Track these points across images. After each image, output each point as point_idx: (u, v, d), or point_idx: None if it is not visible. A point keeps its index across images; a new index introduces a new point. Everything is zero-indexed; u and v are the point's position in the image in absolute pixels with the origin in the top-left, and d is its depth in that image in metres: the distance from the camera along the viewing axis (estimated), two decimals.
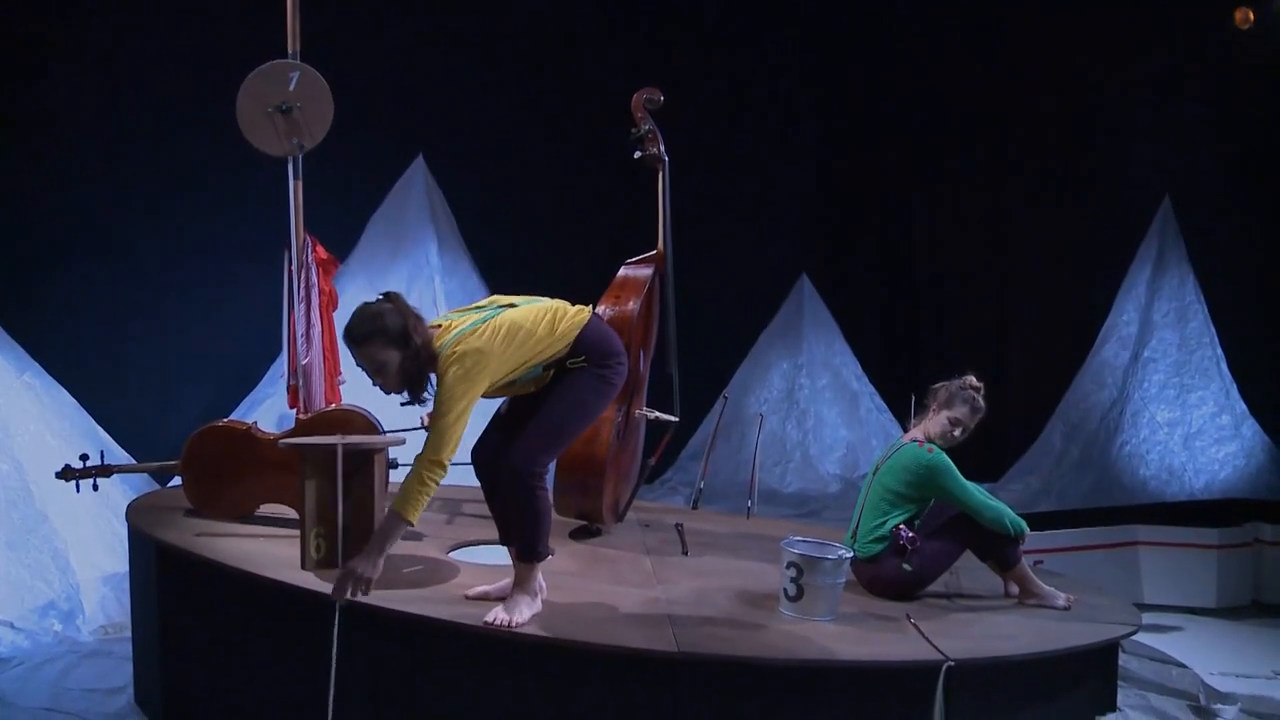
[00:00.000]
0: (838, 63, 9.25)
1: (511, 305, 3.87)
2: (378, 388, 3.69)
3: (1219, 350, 8.33)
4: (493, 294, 8.06)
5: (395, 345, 3.58)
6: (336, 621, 3.54)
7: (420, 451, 3.57)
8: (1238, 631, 5.89)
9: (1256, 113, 8.02)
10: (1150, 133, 8.33)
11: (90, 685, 4.47)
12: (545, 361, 3.78)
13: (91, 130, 6.36)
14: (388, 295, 3.69)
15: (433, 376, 3.66)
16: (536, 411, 3.78)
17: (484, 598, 3.86)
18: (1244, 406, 8.24)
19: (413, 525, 3.58)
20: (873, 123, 9.26)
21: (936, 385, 4.72)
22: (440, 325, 3.73)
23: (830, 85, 9.30)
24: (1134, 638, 4.66)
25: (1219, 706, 4.58)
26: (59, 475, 4.67)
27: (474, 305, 3.97)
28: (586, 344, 3.83)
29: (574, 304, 3.98)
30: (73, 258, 6.33)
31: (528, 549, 3.77)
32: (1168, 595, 6.17)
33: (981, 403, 4.64)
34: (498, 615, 3.62)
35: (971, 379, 4.68)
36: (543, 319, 3.79)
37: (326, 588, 3.75)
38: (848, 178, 9.41)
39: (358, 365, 3.66)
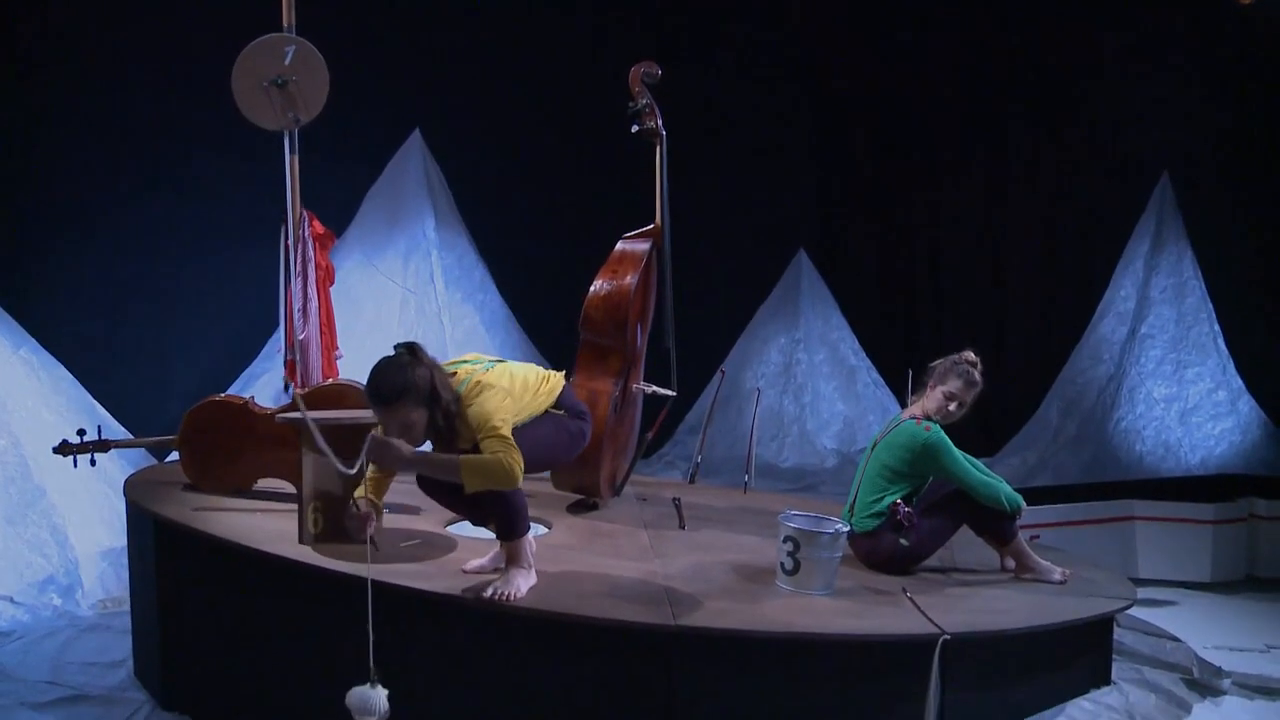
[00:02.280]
0: (835, 36, 9.21)
1: (498, 360, 3.94)
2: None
3: (1216, 326, 8.33)
4: (490, 268, 8.12)
5: (424, 404, 3.51)
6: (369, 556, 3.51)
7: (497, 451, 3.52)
8: (1232, 606, 5.92)
9: (1256, 88, 7.99)
10: (1149, 108, 8.30)
11: (90, 659, 4.49)
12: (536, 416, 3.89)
13: (87, 105, 6.33)
14: (409, 348, 3.58)
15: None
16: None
17: (480, 571, 3.88)
18: (1240, 382, 8.25)
19: (464, 489, 3.53)
20: (870, 98, 9.22)
21: (934, 362, 4.72)
22: (454, 374, 3.73)
23: (827, 59, 9.25)
24: (1129, 612, 4.68)
25: (1212, 680, 4.61)
26: (56, 450, 4.68)
27: (459, 359, 3.94)
28: (565, 403, 4.02)
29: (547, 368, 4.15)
30: (69, 233, 6.31)
31: (508, 530, 3.77)
32: (1163, 570, 6.20)
33: (978, 378, 4.64)
34: (495, 589, 3.64)
35: (969, 354, 4.67)
36: (531, 376, 3.94)
37: (324, 561, 3.77)
38: (845, 153, 9.39)
39: (381, 423, 3.56)
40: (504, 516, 3.74)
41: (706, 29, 8.85)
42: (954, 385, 4.60)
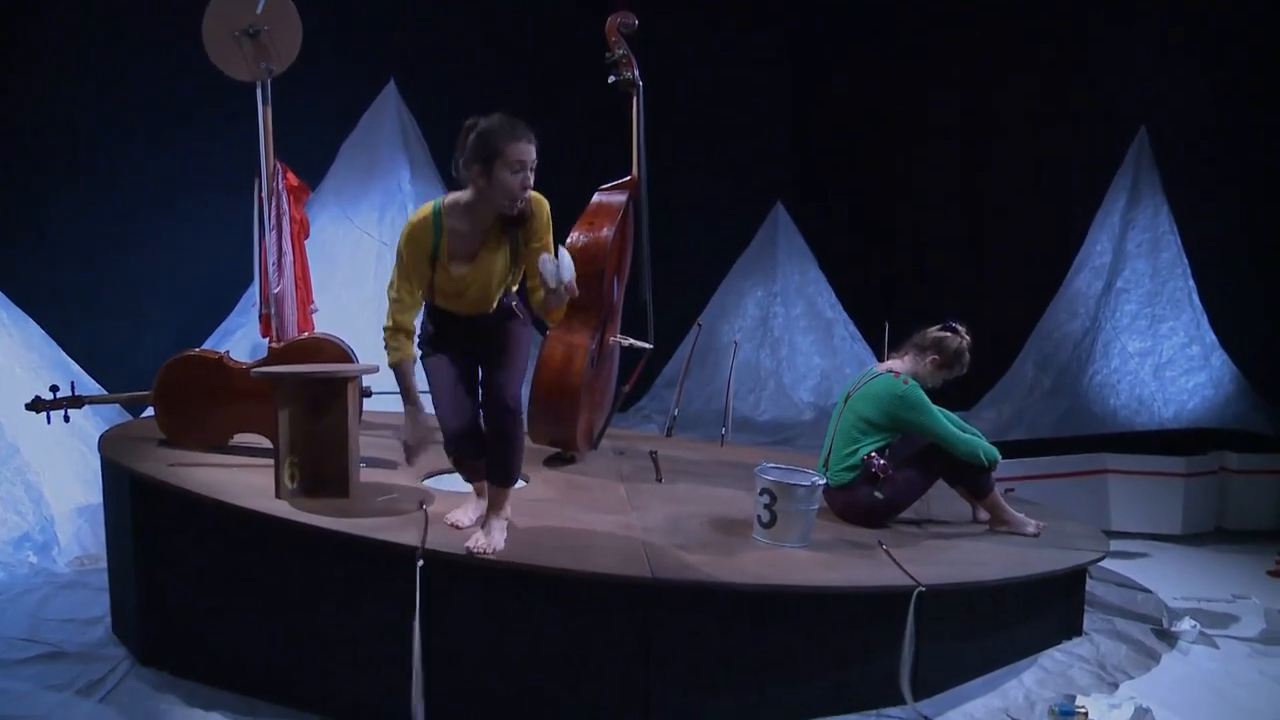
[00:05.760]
0: None
1: None
2: (516, 196, 3.62)
3: (1191, 281, 8.36)
4: None
5: None
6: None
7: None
8: (1201, 557, 5.99)
9: (1234, 43, 7.97)
10: (1128, 62, 8.28)
11: (68, 616, 4.47)
12: (514, 280, 3.87)
13: (57, 57, 6.21)
14: None
15: None
16: (499, 361, 3.79)
17: (456, 525, 3.89)
18: (1214, 337, 8.30)
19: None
20: (850, 50, 9.17)
21: (928, 329, 4.74)
22: None
23: (807, 11, 9.19)
24: (1101, 564, 4.74)
25: (1180, 629, 4.68)
26: (29, 407, 4.64)
27: None
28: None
29: None
30: (39, 187, 6.22)
31: (513, 475, 3.84)
32: (1135, 522, 6.27)
33: (968, 357, 4.69)
34: (478, 541, 3.65)
35: (966, 339, 4.69)
36: None
37: (302, 516, 3.77)
38: (824, 105, 9.35)
39: (524, 168, 3.59)
40: (515, 464, 3.81)
41: None
42: (945, 358, 4.65)
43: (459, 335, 3.82)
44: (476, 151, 3.60)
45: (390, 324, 3.72)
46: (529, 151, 3.59)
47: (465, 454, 3.89)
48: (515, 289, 3.91)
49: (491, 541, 3.66)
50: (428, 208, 3.73)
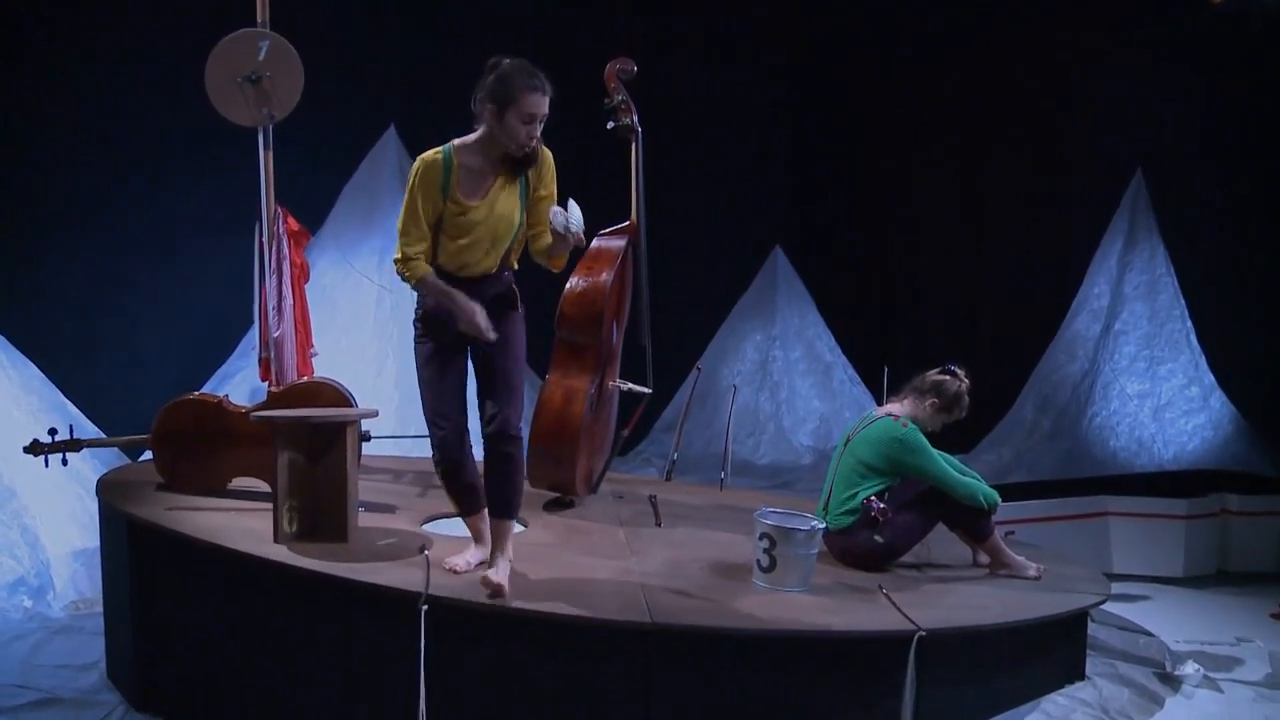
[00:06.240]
0: (811, 33, 9.22)
1: None
2: (522, 144, 3.74)
3: (1188, 322, 8.39)
4: None
5: None
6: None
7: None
8: (1203, 600, 5.97)
9: (1227, 86, 8.04)
10: (1123, 106, 8.34)
11: (61, 661, 4.44)
12: (518, 245, 3.91)
13: (56, 101, 6.26)
14: None
15: None
16: (498, 376, 3.82)
17: (455, 570, 3.88)
18: (1212, 378, 8.31)
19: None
20: (847, 94, 9.24)
21: (928, 373, 4.75)
22: None
23: (804, 56, 9.26)
24: (1103, 607, 4.71)
25: (1184, 673, 4.64)
26: (27, 450, 4.63)
27: None
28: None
29: None
30: (39, 229, 6.24)
31: (514, 505, 3.89)
32: (1136, 565, 6.24)
33: (967, 401, 4.70)
34: (491, 579, 3.64)
35: (965, 382, 4.70)
36: None
37: (300, 561, 3.75)
38: (822, 149, 9.39)
39: (533, 120, 3.70)
40: (518, 494, 3.87)
41: (683, 24, 8.83)
42: (945, 401, 4.66)
43: None
44: (493, 91, 3.69)
45: (399, 255, 3.76)
46: (542, 104, 3.68)
47: (453, 460, 3.86)
48: (516, 266, 3.93)
49: (505, 578, 3.69)
50: (438, 148, 3.79)
